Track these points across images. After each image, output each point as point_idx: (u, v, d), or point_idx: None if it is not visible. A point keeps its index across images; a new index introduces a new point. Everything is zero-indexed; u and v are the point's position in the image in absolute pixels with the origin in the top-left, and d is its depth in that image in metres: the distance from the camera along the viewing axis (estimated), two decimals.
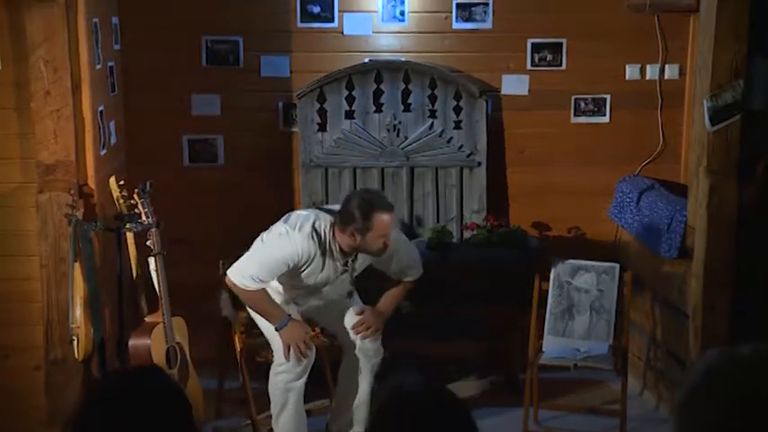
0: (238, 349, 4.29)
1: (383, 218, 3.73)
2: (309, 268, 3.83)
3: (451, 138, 5.02)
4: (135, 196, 3.95)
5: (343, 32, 5.05)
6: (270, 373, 3.99)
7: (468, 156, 5.03)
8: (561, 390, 4.77)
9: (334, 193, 4.96)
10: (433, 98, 5.00)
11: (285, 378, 3.94)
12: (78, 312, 3.91)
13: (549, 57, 5.13)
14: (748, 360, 1.42)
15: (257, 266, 3.79)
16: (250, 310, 4.01)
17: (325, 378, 4.41)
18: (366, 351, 4.07)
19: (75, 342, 3.93)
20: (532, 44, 5.11)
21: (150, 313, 4.04)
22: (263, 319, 3.95)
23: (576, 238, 5.05)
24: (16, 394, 4.23)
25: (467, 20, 5.08)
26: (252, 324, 4.11)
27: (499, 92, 5.14)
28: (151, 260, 3.96)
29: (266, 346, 4.06)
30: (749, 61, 4.09)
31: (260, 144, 5.11)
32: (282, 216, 3.92)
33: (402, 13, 5.06)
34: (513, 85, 5.14)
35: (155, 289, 3.95)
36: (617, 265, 4.39)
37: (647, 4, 4.86)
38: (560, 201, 5.20)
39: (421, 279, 4.13)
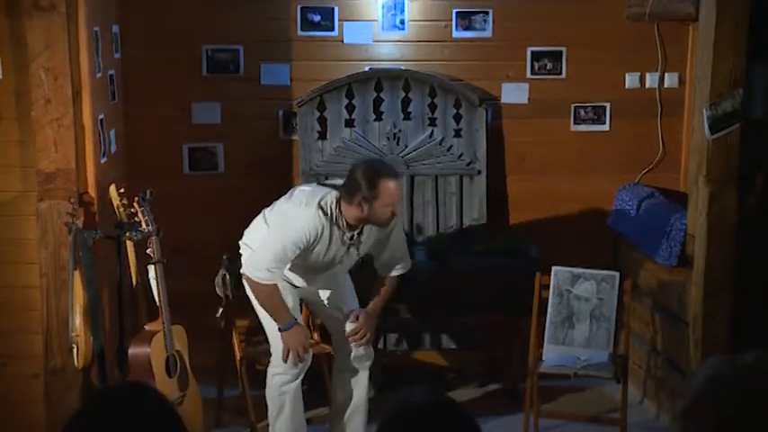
0: (238, 358, 4.29)
1: (389, 185, 3.67)
2: (319, 245, 3.78)
3: (451, 146, 5.03)
4: (135, 204, 3.94)
5: (343, 41, 5.06)
6: (267, 376, 3.98)
7: (468, 164, 5.03)
8: (561, 398, 4.77)
9: None
10: (432, 107, 5.00)
11: (281, 380, 3.93)
12: (78, 321, 3.90)
13: (549, 65, 5.14)
14: (751, 368, 1.42)
15: (271, 257, 3.75)
16: (257, 309, 3.97)
17: (325, 386, 4.40)
18: (360, 358, 4.08)
19: (75, 350, 3.91)
20: (532, 52, 5.12)
21: (150, 321, 4.03)
22: (269, 319, 3.93)
23: (576, 247, 5.05)
24: (15, 403, 4.21)
25: (467, 28, 5.09)
26: (251, 332, 4.10)
27: (499, 100, 5.14)
28: (151, 268, 3.95)
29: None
30: (748, 70, 4.10)
31: (260, 152, 5.11)
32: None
33: (402, 22, 5.07)
34: (513, 93, 5.14)
35: (154, 297, 3.94)
36: (617, 274, 4.38)
37: (646, 13, 4.86)
38: (560, 209, 5.20)
39: (420, 287, 4.12)
